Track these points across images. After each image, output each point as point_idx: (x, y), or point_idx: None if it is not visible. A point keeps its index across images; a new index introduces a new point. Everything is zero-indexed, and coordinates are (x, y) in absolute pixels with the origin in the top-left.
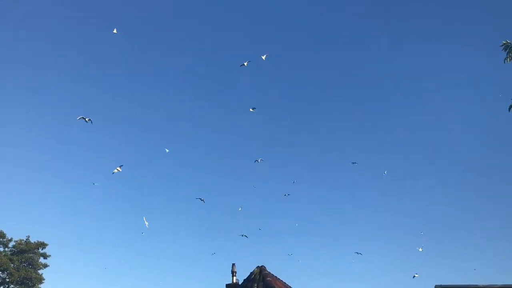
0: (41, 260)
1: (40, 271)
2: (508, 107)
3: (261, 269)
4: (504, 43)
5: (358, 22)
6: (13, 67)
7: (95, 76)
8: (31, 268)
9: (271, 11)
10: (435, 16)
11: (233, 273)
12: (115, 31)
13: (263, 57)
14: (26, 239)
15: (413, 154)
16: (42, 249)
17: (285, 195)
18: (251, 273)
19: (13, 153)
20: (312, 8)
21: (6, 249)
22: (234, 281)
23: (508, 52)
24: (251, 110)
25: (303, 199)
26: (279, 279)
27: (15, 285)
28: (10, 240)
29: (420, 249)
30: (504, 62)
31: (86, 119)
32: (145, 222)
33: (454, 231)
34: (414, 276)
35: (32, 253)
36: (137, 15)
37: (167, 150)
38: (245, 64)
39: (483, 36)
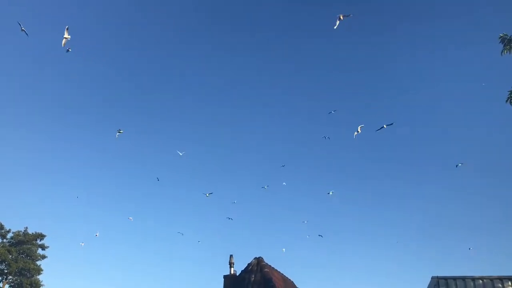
0: (39, 251)
1: (38, 262)
2: (505, 99)
3: (258, 261)
4: (501, 36)
5: (355, 21)
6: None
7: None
8: (29, 259)
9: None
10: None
11: (231, 264)
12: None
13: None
14: (24, 230)
15: (411, 152)
16: (40, 240)
17: (263, 187)
18: (248, 264)
19: (11, 147)
20: (308, 7)
21: (4, 240)
22: (232, 272)
23: (505, 45)
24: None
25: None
26: (276, 270)
27: (13, 276)
28: (8, 231)
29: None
30: (501, 54)
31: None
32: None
33: (451, 226)
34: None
35: (30, 244)
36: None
37: (180, 153)
38: None
39: (480, 30)
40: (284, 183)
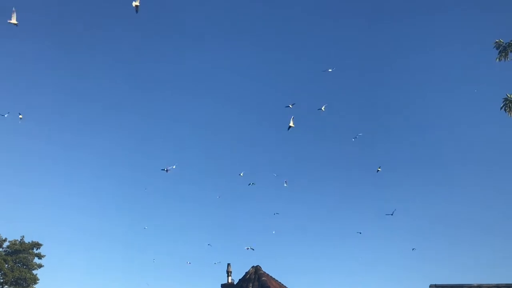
0: (36, 260)
1: (34, 272)
2: (500, 106)
3: (256, 269)
4: (497, 42)
5: (355, 21)
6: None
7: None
8: (25, 268)
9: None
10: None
11: (228, 273)
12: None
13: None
14: (21, 239)
15: (410, 153)
16: (36, 249)
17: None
18: (246, 273)
19: (7, 153)
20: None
21: (1, 249)
22: (230, 281)
23: (500, 51)
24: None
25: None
26: (274, 279)
27: (10, 285)
28: (5, 240)
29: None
30: (496, 61)
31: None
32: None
33: (449, 230)
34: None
35: (27, 254)
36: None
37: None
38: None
39: (475, 35)
40: (275, 174)
